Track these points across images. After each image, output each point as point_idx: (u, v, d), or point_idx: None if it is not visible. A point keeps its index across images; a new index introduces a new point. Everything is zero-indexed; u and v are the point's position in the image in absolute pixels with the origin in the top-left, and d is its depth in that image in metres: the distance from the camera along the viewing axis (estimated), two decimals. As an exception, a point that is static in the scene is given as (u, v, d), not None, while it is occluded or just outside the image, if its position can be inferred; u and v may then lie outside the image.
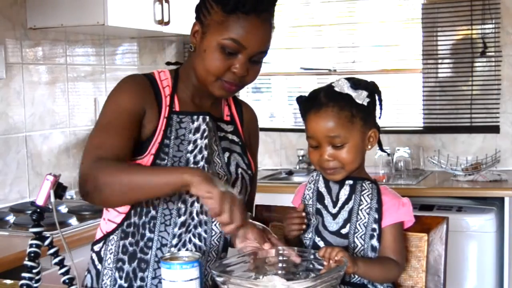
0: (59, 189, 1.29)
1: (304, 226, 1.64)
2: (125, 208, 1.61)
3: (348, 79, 1.62)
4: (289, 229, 1.65)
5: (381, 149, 1.73)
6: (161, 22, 3.36)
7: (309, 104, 1.62)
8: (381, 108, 1.66)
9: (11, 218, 2.66)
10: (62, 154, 3.26)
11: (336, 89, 1.60)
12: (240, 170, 1.70)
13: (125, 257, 1.61)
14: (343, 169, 1.61)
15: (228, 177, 1.66)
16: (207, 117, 1.65)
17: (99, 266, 1.64)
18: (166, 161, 1.58)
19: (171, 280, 1.35)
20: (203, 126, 1.64)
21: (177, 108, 1.64)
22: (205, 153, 1.62)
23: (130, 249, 1.61)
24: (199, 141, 1.62)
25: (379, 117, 1.67)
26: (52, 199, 1.27)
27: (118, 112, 1.56)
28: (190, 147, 1.61)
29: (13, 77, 3.01)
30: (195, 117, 1.64)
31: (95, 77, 3.51)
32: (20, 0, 3.04)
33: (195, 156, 1.61)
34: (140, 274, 1.60)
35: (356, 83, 1.60)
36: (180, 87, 1.67)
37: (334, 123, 1.57)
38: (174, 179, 1.42)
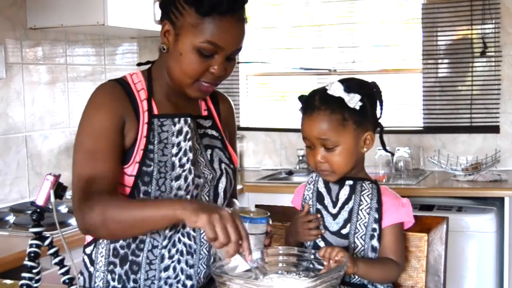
0: (59, 189, 1.29)
1: (323, 231, 1.64)
2: None
3: (343, 81, 1.62)
4: (307, 234, 1.64)
5: (385, 149, 1.74)
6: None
7: (305, 106, 1.64)
8: (381, 109, 1.66)
9: (11, 218, 2.66)
10: (62, 154, 3.26)
11: (329, 92, 1.60)
12: (223, 166, 1.69)
13: (117, 260, 1.60)
14: (334, 173, 1.62)
15: (214, 174, 1.66)
16: (189, 119, 1.63)
17: (91, 269, 1.63)
18: (152, 167, 1.56)
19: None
20: (185, 128, 1.62)
21: (155, 111, 1.62)
22: (190, 155, 1.61)
23: (121, 252, 1.60)
24: (182, 144, 1.61)
25: (379, 118, 1.67)
26: (52, 199, 1.26)
27: (100, 134, 1.54)
28: (175, 150, 1.60)
29: (13, 77, 3.01)
30: (176, 119, 1.62)
31: (95, 77, 3.51)
32: (20, 0, 3.03)
33: (180, 159, 1.60)
34: (132, 276, 1.59)
35: (350, 86, 1.60)
36: (155, 88, 1.64)
37: (325, 126, 1.58)
38: (170, 214, 1.42)
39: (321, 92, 1.62)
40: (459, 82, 3.86)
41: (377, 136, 1.68)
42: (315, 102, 1.61)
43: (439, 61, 3.90)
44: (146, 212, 1.45)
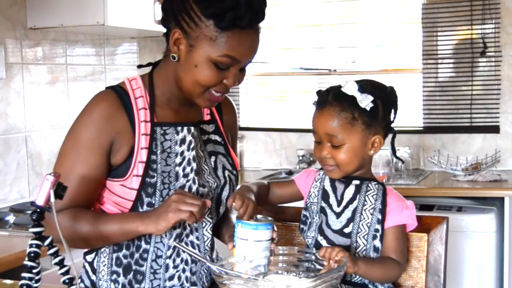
0: (59, 189, 1.28)
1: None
2: None
3: (360, 81, 1.62)
4: None
5: (395, 156, 1.76)
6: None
7: (319, 100, 1.65)
8: (395, 115, 1.67)
9: (11, 218, 2.66)
10: (62, 154, 3.26)
11: (343, 90, 1.61)
12: (227, 173, 1.69)
13: (120, 270, 1.60)
14: (338, 169, 1.62)
15: (218, 183, 1.66)
16: (192, 128, 1.62)
17: (93, 277, 1.63)
18: (155, 178, 1.55)
19: (243, 238, 1.48)
20: (189, 138, 1.61)
21: (156, 119, 1.60)
22: (194, 165, 1.60)
23: (125, 261, 1.59)
24: (186, 153, 1.60)
25: (391, 122, 1.67)
26: (52, 199, 1.26)
27: (82, 156, 1.54)
28: (178, 160, 1.59)
29: (13, 77, 3.00)
30: (179, 128, 1.60)
31: (95, 77, 3.51)
32: (20, 0, 3.04)
33: (184, 169, 1.59)
34: (136, 286, 1.59)
35: (364, 87, 1.60)
36: (157, 94, 1.62)
37: (334, 122, 1.59)
38: (133, 231, 1.51)
39: (336, 89, 1.63)
40: (459, 82, 3.86)
41: (388, 140, 1.70)
42: (328, 98, 1.62)
43: (439, 61, 3.90)
44: (112, 227, 1.52)
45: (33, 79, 3.12)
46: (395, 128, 1.72)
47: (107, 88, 1.63)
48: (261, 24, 1.57)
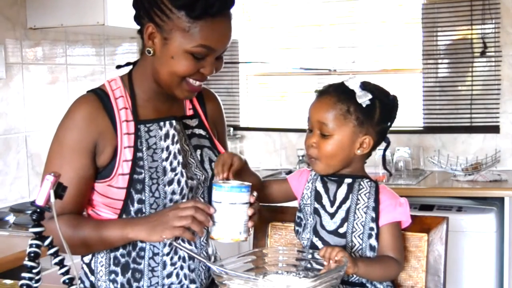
0: (59, 189, 1.28)
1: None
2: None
3: (364, 81, 1.63)
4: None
5: (384, 167, 1.77)
6: (161, 22, 3.35)
7: (321, 90, 1.68)
8: (391, 124, 1.67)
9: (11, 218, 2.66)
10: (62, 154, 3.26)
11: (345, 83, 1.63)
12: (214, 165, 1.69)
13: (118, 269, 1.60)
14: (319, 161, 1.62)
15: (205, 175, 1.66)
16: (174, 121, 1.63)
17: (92, 278, 1.63)
18: (143, 174, 1.56)
19: (217, 201, 1.45)
20: (172, 131, 1.62)
21: (139, 117, 1.61)
22: (180, 158, 1.61)
23: (122, 260, 1.60)
24: (171, 147, 1.61)
25: (386, 130, 1.67)
26: (52, 199, 1.26)
27: (66, 159, 1.55)
28: (164, 155, 1.59)
29: (13, 77, 3.01)
30: (161, 123, 1.61)
31: (95, 77, 3.51)
32: (20, 0, 3.04)
33: (171, 163, 1.59)
34: (135, 284, 1.59)
35: (366, 85, 1.62)
36: (137, 93, 1.63)
37: (328, 111, 1.60)
38: (124, 237, 1.52)
39: (339, 83, 1.66)
40: (459, 82, 3.86)
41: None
42: (329, 88, 1.65)
43: (439, 61, 3.90)
44: (110, 233, 1.52)
45: (33, 79, 3.12)
46: (395, 128, 1.72)
47: (87, 91, 1.64)
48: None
